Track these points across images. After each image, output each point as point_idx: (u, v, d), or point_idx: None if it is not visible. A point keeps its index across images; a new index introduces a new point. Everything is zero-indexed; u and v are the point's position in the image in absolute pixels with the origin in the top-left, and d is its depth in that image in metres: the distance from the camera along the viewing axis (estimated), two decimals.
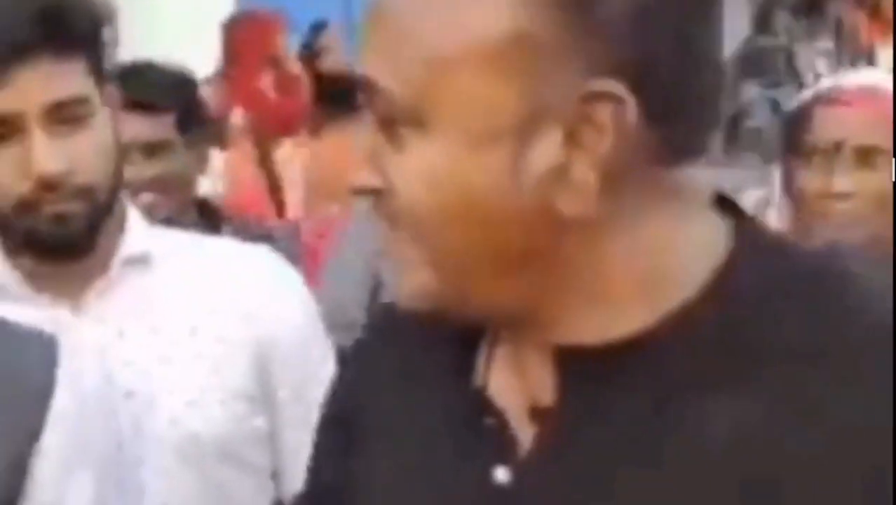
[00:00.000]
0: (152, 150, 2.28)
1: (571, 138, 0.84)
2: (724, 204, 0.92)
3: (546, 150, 0.84)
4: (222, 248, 1.79)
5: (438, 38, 0.85)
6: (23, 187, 1.50)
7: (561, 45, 0.83)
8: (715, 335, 0.86)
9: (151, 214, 1.88)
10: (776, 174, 2.30)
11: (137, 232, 1.65)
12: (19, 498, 1.32)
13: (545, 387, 0.90)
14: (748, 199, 2.69)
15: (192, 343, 1.61)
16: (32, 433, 1.34)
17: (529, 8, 0.83)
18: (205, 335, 1.60)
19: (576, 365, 0.88)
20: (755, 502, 0.84)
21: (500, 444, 0.91)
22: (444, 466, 0.94)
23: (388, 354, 1.01)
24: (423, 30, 0.85)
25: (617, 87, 0.83)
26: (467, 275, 0.88)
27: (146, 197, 2.14)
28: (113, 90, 1.62)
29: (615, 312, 0.87)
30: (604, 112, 0.83)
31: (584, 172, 0.84)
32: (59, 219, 1.52)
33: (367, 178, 0.89)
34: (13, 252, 1.60)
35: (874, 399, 0.83)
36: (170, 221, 2.07)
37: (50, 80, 1.50)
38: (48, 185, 1.50)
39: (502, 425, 0.91)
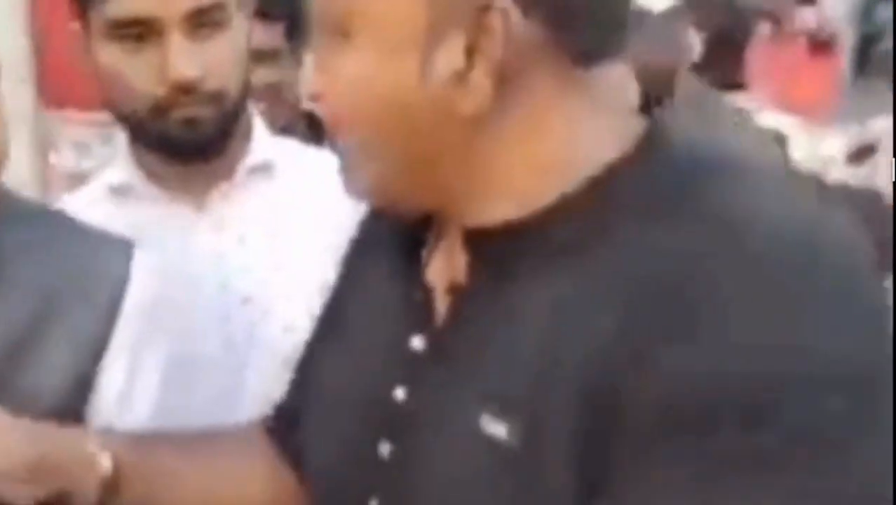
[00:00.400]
0: (262, 57, 2.28)
1: (470, 46, 0.94)
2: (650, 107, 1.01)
3: (448, 57, 0.94)
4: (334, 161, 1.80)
5: None
6: (158, 91, 1.52)
7: None
8: (577, 225, 0.94)
9: (268, 122, 1.90)
10: None
11: (262, 141, 1.67)
12: (85, 404, 1.36)
13: (462, 266, 1.02)
14: (875, 128, 2.64)
15: (309, 252, 1.63)
16: (100, 345, 1.37)
17: None
18: (319, 245, 1.62)
19: (479, 245, 1.01)
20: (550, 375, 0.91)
21: (421, 316, 1.05)
22: (378, 336, 1.09)
23: (360, 247, 1.19)
24: None
25: (504, 2, 0.92)
26: (390, 168, 1.00)
27: (260, 105, 2.17)
28: None
29: (513, 199, 0.97)
30: (495, 21, 0.93)
31: (481, 76, 0.94)
32: (190, 123, 1.54)
33: (315, 85, 1.02)
34: (141, 151, 1.63)
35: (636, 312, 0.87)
36: (284, 131, 2.10)
37: None
38: (183, 90, 1.51)
39: (427, 300, 1.05)
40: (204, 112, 1.54)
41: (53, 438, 1.20)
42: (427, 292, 1.06)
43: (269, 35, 2.35)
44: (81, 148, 4.40)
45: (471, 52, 0.94)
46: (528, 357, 0.93)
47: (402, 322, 1.07)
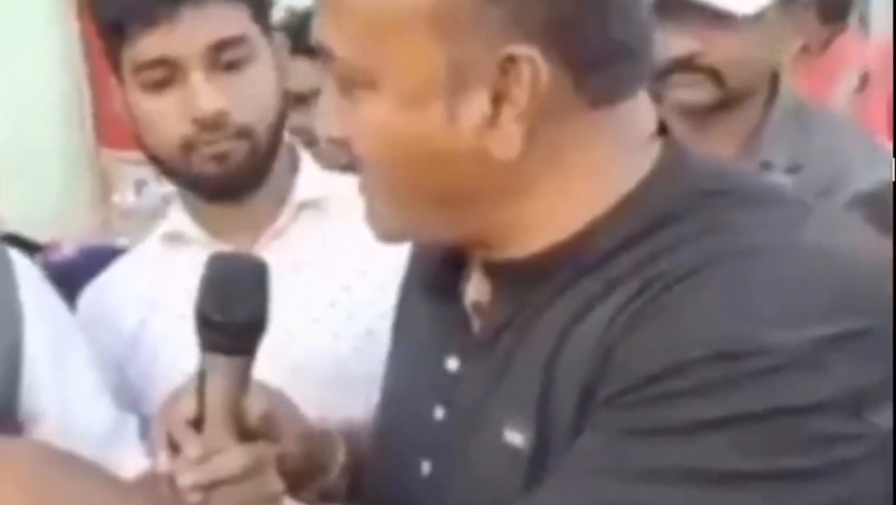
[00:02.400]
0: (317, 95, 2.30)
1: (497, 95, 0.97)
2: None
3: (475, 104, 0.97)
4: None
5: (374, 8, 0.97)
6: (183, 129, 1.52)
7: (478, 13, 0.95)
8: (596, 249, 0.99)
9: (332, 161, 1.92)
10: None
11: (310, 177, 1.67)
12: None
13: (486, 289, 1.07)
14: None
15: (361, 290, 1.62)
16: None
17: None
18: (372, 282, 1.61)
19: (501, 274, 1.05)
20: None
21: (455, 338, 1.10)
22: (421, 358, 1.14)
23: (413, 271, 1.23)
24: (365, 5, 0.98)
25: (530, 50, 0.95)
26: (417, 210, 1.03)
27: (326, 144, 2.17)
28: (280, 36, 1.63)
29: (540, 233, 1.02)
30: (522, 71, 0.96)
31: (510, 123, 0.97)
32: (219, 158, 1.54)
33: (333, 129, 1.05)
34: (189, 197, 1.65)
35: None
36: (348, 168, 2.10)
37: (213, 24, 1.51)
38: (207, 126, 1.52)
39: (461, 323, 1.10)
40: (232, 147, 1.54)
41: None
42: (461, 314, 1.10)
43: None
44: (140, 186, 4.48)
45: (498, 99, 0.97)
46: (538, 371, 0.98)
47: (440, 344, 1.11)
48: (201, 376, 1.19)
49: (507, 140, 0.98)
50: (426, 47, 0.97)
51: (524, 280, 1.03)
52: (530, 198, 1.01)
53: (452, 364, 1.09)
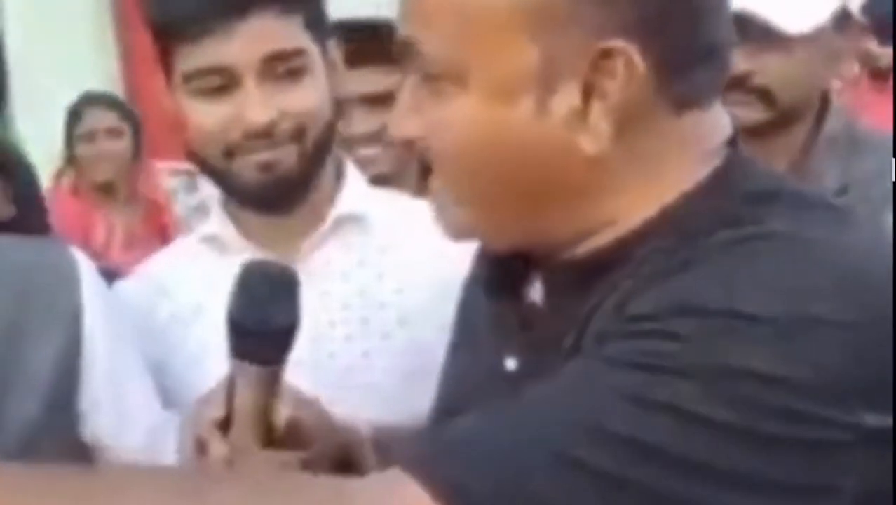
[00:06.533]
0: (373, 102, 2.26)
1: (588, 89, 0.97)
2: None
3: (565, 99, 0.98)
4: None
5: (467, 3, 0.98)
6: (232, 137, 1.53)
7: (572, 8, 0.96)
8: (649, 245, 0.99)
9: (371, 168, 1.89)
10: None
11: (355, 190, 1.66)
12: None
13: (539, 288, 1.08)
14: None
15: (398, 309, 1.61)
16: (73, 358, 1.51)
17: None
18: (410, 302, 1.60)
19: (555, 275, 1.06)
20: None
21: (514, 337, 1.10)
22: (481, 357, 1.14)
23: (476, 271, 1.22)
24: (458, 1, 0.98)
25: (625, 46, 0.96)
26: (494, 208, 1.03)
27: (368, 150, 2.13)
28: (334, 45, 1.63)
29: (606, 230, 1.02)
30: (615, 66, 0.96)
31: (600, 118, 0.98)
32: (268, 166, 1.54)
33: (408, 129, 1.04)
34: (230, 203, 1.64)
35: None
36: (385, 179, 2.08)
37: (268, 35, 1.52)
38: (256, 135, 1.52)
39: (521, 323, 1.09)
40: (281, 155, 1.54)
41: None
42: (521, 314, 1.10)
43: (380, 80, 2.34)
44: (170, 195, 4.49)
45: (588, 93, 0.97)
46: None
47: (500, 343, 1.11)
48: (231, 380, 1.20)
49: (597, 135, 0.98)
50: (520, 41, 0.97)
51: (580, 280, 1.02)
52: (607, 196, 1.01)
53: (511, 363, 1.09)
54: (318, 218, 1.62)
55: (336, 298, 1.60)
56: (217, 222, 1.66)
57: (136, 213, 4.36)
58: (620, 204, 1.01)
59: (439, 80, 1.01)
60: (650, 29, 0.97)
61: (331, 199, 1.63)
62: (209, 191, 1.71)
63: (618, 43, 0.96)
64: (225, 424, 1.19)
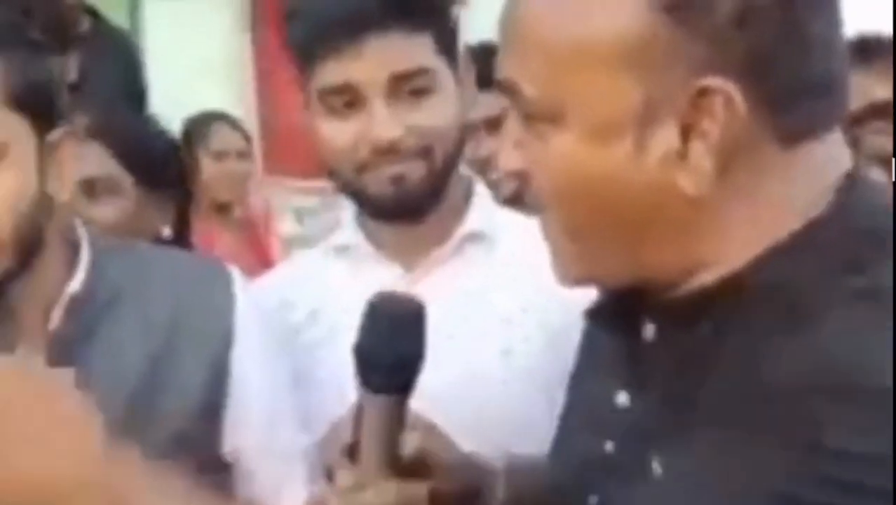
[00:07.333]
0: (499, 126, 2.29)
1: (687, 128, 0.95)
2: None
3: (664, 138, 0.96)
4: None
5: (564, 44, 0.97)
6: (360, 153, 1.57)
7: (673, 47, 0.94)
8: (751, 294, 0.97)
9: (500, 190, 1.90)
10: None
11: (482, 209, 1.68)
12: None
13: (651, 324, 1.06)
14: None
15: (517, 330, 1.62)
16: (222, 366, 1.55)
17: (643, 15, 0.94)
18: (530, 324, 1.61)
19: (664, 311, 1.04)
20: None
21: (626, 372, 1.09)
22: (596, 390, 1.13)
23: (597, 304, 1.19)
24: (551, 36, 0.98)
25: (725, 84, 0.94)
26: (601, 243, 1.02)
27: (495, 174, 2.14)
28: (466, 66, 1.65)
29: (714, 268, 1.00)
30: (715, 105, 0.94)
31: (700, 157, 0.96)
32: (398, 180, 1.57)
33: (514, 162, 1.04)
34: (361, 215, 1.68)
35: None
36: (515, 201, 2.08)
37: (396, 54, 1.55)
38: (384, 151, 1.56)
39: (634, 357, 1.08)
40: (411, 168, 1.57)
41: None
42: (635, 348, 1.09)
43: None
44: (300, 214, 4.53)
45: (687, 132, 0.96)
46: (716, 418, 0.97)
47: (614, 377, 1.11)
48: (359, 409, 1.22)
49: (698, 175, 0.96)
50: (619, 81, 0.96)
51: (688, 317, 1.01)
52: (712, 233, 1.00)
53: (622, 398, 1.09)
54: (446, 234, 1.65)
55: (458, 313, 1.62)
56: (349, 234, 1.70)
57: (242, 232, 4.41)
58: (727, 241, 0.99)
59: (537, 118, 1.01)
60: (755, 65, 0.94)
61: (459, 217, 1.66)
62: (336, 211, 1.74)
63: (716, 81, 0.94)
64: (353, 454, 1.21)
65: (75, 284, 1.50)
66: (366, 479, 1.20)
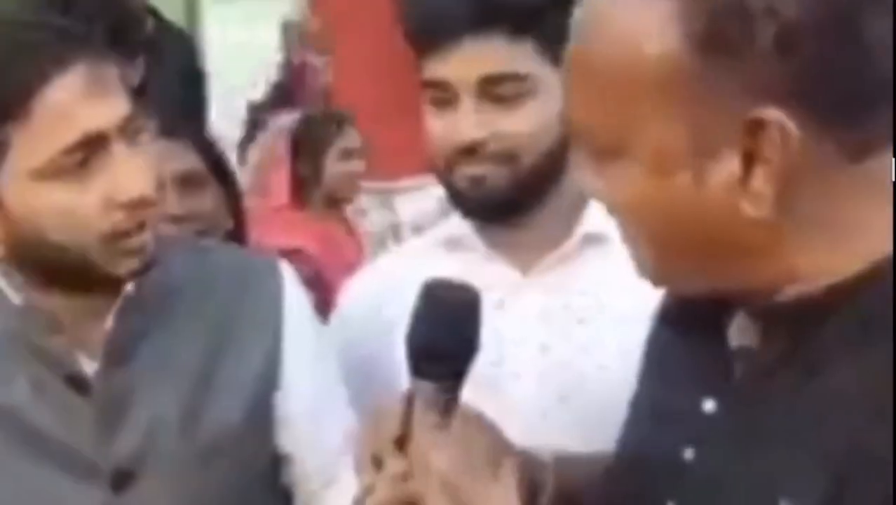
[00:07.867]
0: None
1: (748, 156, 0.97)
2: None
3: (725, 168, 0.98)
4: None
5: (615, 80, 1.00)
6: (446, 150, 1.61)
7: (715, 79, 0.96)
8: (866, 304, 0.98)
9: None
10: None
11: (597, 211, 1.67)
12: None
13: (751, 332, 1.07)
14: None
15: (631, 333, 1.62)
16: (273, 364, 1.58)
17: (681, 49, 0.96)
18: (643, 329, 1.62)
19: (771, 317, 1.04)
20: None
21: (715, 379, 1.09)
22: (673, 395, 1.14)
23: (668, 306, 1.23)
24: (608, 78, 1.00)
25: (775, 114, 0.94)
26: (675, 259, 1.04)
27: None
28: None
29: (803, 280, 1.01)
30: (770, 134, 0.95)
31: (763, 183, 0.97)
32: (477, 181, 1.60)
33: (590, 182, 1.07)
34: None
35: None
36: None
37: (490, 57, 1.57)
38: (465, 150, 1.59)
39: (722, 365, 1.08)
40: (492, 172, 1.60)
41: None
42: (722, 355, 1.09)
43: None
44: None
45: (749, 160, 0.97)
46: (834, 449, 0.96)
47: (697, 383, 1.11)
48: (410, 397, 1.21)
49: (759, 199, 0.98)
50: (667, 114, 0.98)
51: (796, 322, 1.02)
52: (785, 253, 1.01)
53: (709, 405, 1.09)
54: (563, 235, 1.67)
55: (576, 313, 1.65)
56: (459, 225, 1.72)
57: (345, 226, 4.44)
58: (802, 260, 1.00)
59: (600, 152, 1.03)
60: (804, 88, 0.95)
61: (575, 217, 1.68)
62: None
63: (767, 113, 0.95)
64: (401, 443, 1.20)
65: (130, 285, 1.52)
66: (415, 467, 1.19)
